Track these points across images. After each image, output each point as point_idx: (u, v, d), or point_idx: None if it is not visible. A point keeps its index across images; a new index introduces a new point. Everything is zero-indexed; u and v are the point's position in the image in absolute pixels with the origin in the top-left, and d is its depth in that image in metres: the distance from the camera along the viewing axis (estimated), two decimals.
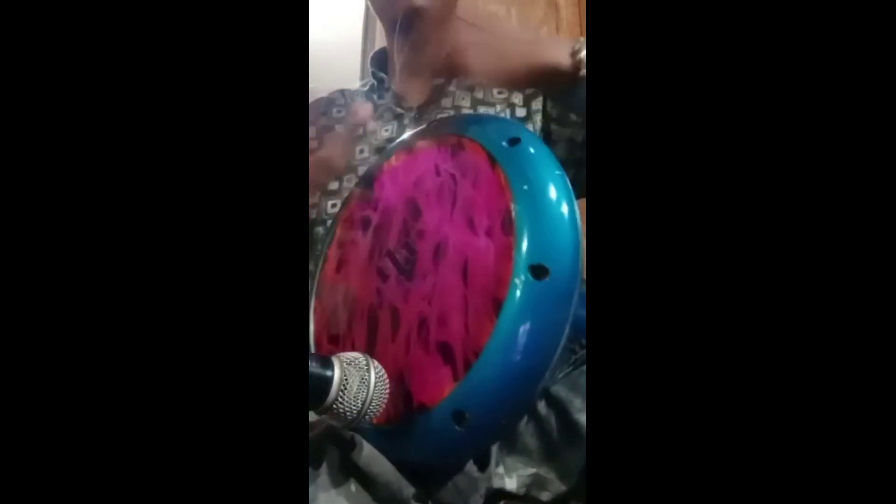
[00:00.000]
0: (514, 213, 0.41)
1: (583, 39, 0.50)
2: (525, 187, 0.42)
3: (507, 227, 0.41)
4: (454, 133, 0.51)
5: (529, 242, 0.40)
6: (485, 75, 0.51)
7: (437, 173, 0.50)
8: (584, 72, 0.50)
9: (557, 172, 0.43)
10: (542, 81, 0.51)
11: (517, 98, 0.73)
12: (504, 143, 0.46)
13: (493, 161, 0.45)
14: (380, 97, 0.78)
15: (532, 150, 0.45)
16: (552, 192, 0.42)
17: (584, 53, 0.50)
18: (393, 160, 0.57)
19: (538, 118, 0.72)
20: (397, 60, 0.76)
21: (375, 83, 0.80)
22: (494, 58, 0.52)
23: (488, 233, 0.43)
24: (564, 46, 0.51)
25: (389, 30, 0.74)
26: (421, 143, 0.55)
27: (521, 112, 0.73)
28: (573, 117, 0.69)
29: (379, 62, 0.80)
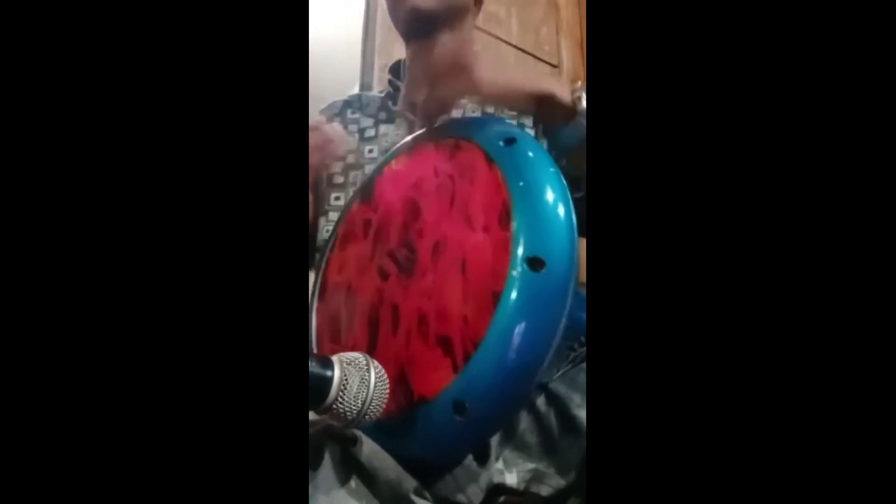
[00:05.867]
0: (510, 209, 0.43)
1: (582, 84, 0.54)
2: (521, 183, 0.44)
3: (504, 222, 0.43)
4: (452, 135, 0.53)
5: (525, 236, 0.42)
6: (490, 88, 0.53)
7: (436, 174, 0.52)
8: (581, 106, 0.53)
9: (552, 169, 0.45)
10: (540, 109, 0.54)
11: (527, 119, 0.77)
12: (500, 143, 0.48)
13: (489, 160, 0.47)
14: (394, 104, 0.82)
15: (527, 149, 0.47)
16: (547, 188, 0.44)
17: (583, 95, 0.53)
18: (393, 163, 0.59)
19: (545, 143, 0.75)
20: (410, 67, 0.80)
21: (392, 90, 0.84)
22: (501, 75, 0.54)
23: (485, 228, 0.45)
24: (566, 84, 0.54)
25: (402, 34, 0.80)
26: (420, 146, 0.57)
27: (531, 131, 0.76)
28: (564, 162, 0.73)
29: (396, 71, 0.85)
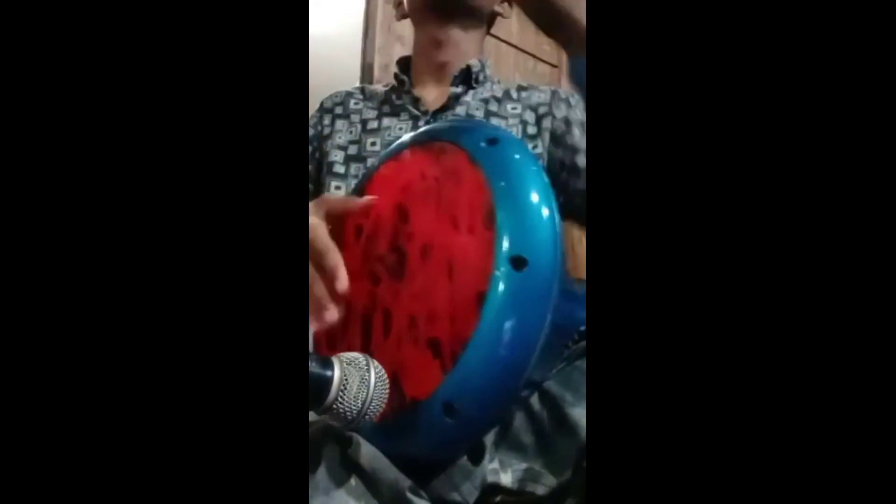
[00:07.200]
0: (493, 209, 0.44)
1: None
2: (503, 183, 0.45)
3: (488, 223, 0.44)
4: (437, 139, 0.54)
5: (509, 235, 0.42)
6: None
7: (423, 177, 0.53)
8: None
9: (534, 168, 0.46)
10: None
11: (529, 116, 0.78)
12: (483, 144, 0.49)
13: (472, 161, 0.48)
14: (398, 98, 0.83)
15: (510, 149, 0.48)
16: (529, 187, 0.45)
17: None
18: (382, 169, 0.60)
19: (547, 136, 0.77)
20: (417, 61, 0.83)
21: (396, 84, 0.85)
22: None
23: (470, 229, 0.45)
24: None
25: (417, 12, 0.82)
26: (407, 151, 0.58)
27: (532, 129, 0.77)
28: (576, 133, 0.74)
29: (402, 66, 0.86)
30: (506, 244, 0.42)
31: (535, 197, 0.44)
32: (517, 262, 0.41)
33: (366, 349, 0.48)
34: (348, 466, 0.42)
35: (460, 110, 0.79)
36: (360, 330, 0.51)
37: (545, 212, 0.43)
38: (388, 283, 0.50)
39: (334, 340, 0.54)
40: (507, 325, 0.40)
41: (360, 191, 0.60)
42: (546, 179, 0.45)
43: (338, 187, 0.76)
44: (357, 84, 1.40)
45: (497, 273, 0.41)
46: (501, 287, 0.41)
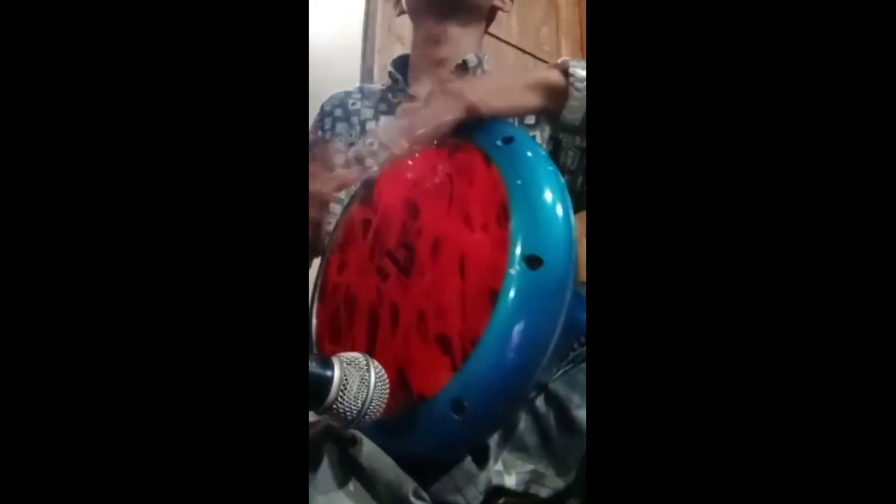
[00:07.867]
0: (508, 207, 0.44)
1: (569, 59, 0.55)
2: (518, 182, 0.45)
3: (502, 221, 0.44)
4: (451, 136, 0.54)
5: (523, 234, 0.42)
6: (487, 109, 0.54)
7: (435, 174, 0.52)
8: (578, 86, 0.53)
9: (550, 168, 0.46)
10: (540, 103, 0.55)
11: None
12: (498, 142, 0.49)
13: (487, 159, 0.48)
14: (394, 96, 0.83)
15: (525, 148, 0.48)
16: (545, 186, 0.44)
17: (576, 70, 0.54)
18: (392, 164, 0.60)
19: (546, 126, 0.76)
20: (414, 59, 0.83)
21: (392, 83, 0.85)
22: (497, 87, 0.56)
23: (484, 227, 0.45)
24: (554, 67, 0.55)
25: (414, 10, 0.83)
26: (419, 147, 0.57)
27: (529, 119, 0.77)
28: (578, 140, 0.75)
29: (398, 65, 0.86)
30: (520, 243, 0.42)
31: (550, 197, 0.44)
32: (532, 262, 0.41)
33: (372, 344, 0.49)
34: (349, 469, 0.42)
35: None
36: (367, 325, 0.50)
37: (560, 212, 0.43)
38: (396, 278, 0.50)
39: (339, 335, 0.54)
40: (520, 323, 0.40)
41: (368, 185, 0.60)
42: (561, 179, 0.45)
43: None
44: (357, 85, 1.41)
45: (511, 271, 0.41)
46: (515, 285, 0.41)
